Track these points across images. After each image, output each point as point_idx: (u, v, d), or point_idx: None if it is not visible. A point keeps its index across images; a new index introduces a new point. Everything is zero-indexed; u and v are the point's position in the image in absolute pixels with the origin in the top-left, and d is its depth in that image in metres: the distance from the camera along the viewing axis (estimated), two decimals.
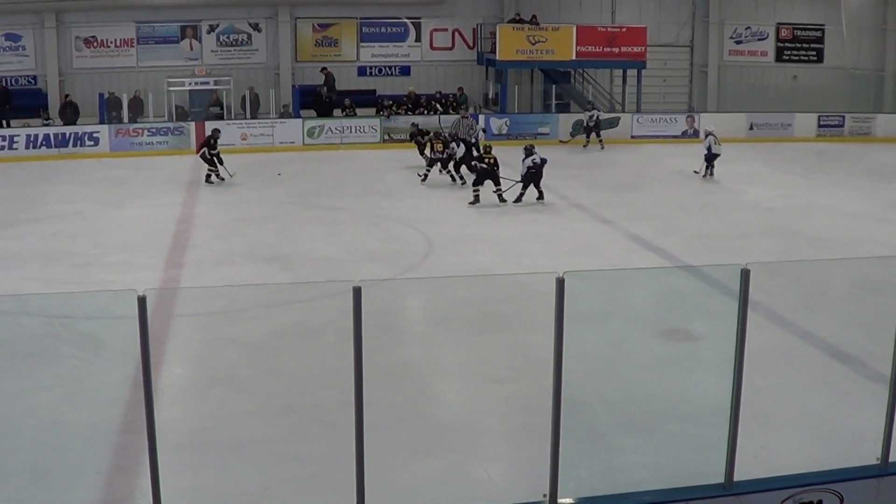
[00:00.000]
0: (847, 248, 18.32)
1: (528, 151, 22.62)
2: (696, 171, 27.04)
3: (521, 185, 22.58)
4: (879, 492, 8.44)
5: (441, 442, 10.08)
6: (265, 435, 10.16)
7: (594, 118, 32.46)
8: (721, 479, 8.05)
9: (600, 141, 32.29)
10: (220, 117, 31.96)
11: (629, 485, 8.61)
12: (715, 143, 26.58)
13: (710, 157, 26.65)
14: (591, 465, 9.22)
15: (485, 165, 22.81)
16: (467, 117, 29.74)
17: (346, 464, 7.75)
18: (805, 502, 8.12)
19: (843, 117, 35.93)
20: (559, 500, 7.71)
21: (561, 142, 32.66)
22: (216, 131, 26.17)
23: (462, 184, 24.86)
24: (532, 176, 22.47)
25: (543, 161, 22.54)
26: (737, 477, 8.01)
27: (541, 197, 22.66)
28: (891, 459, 8.49)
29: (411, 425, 10.34)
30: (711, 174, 26.72)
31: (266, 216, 21.55)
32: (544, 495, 7.68)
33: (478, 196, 22.56)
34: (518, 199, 22.59)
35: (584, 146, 32.15)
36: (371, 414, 7.70)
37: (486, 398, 11.35)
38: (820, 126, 35.47)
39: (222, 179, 25.58)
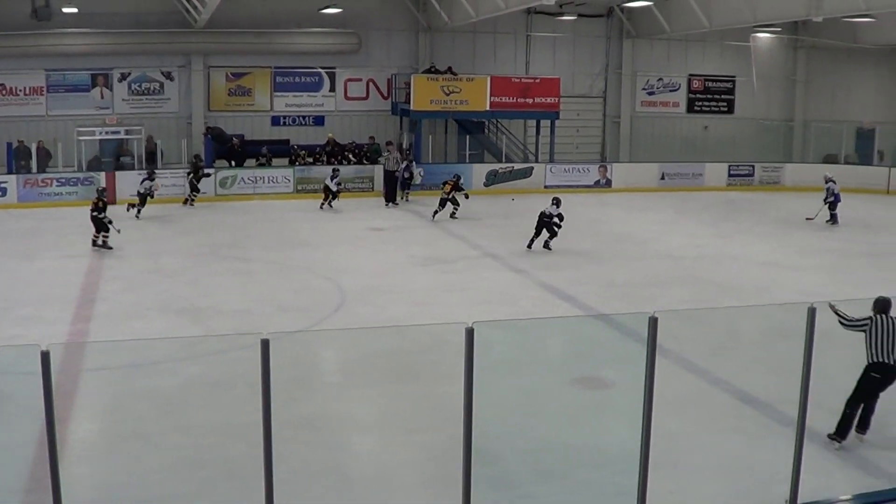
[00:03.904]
0: (756, 295, 18.62)
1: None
2: (808, 218, 28.09)
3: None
4: None
5: (354, 495, 9.97)
6: (176, 490, 9.95)
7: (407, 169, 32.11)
8: None
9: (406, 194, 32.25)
10: (130, 167, 31.72)
11: None
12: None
13: (835, 204, 27.90)
14: None
15: None
16: (390, 150, 30.92)
17: None
18: None
19: (753, 167, 36.85)
20: None
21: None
22: (103, 191, 24.67)
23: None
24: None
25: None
26: None
27: None
28: (799, 501, 8.64)
29: (324, 478, 10.21)
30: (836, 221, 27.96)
31: (177, 268, 21.25)
32: None
33: None
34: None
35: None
36: (283, 468, 7.63)
37: (399, 449, 11.28)
38: (730, 175, 36.33)
39: (110, 248, 23.11)
